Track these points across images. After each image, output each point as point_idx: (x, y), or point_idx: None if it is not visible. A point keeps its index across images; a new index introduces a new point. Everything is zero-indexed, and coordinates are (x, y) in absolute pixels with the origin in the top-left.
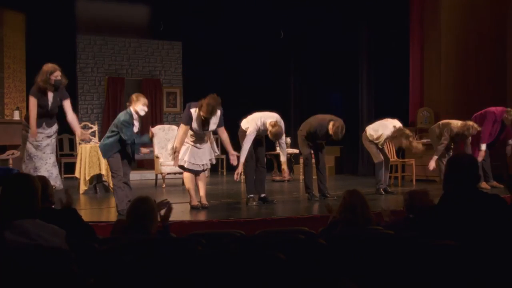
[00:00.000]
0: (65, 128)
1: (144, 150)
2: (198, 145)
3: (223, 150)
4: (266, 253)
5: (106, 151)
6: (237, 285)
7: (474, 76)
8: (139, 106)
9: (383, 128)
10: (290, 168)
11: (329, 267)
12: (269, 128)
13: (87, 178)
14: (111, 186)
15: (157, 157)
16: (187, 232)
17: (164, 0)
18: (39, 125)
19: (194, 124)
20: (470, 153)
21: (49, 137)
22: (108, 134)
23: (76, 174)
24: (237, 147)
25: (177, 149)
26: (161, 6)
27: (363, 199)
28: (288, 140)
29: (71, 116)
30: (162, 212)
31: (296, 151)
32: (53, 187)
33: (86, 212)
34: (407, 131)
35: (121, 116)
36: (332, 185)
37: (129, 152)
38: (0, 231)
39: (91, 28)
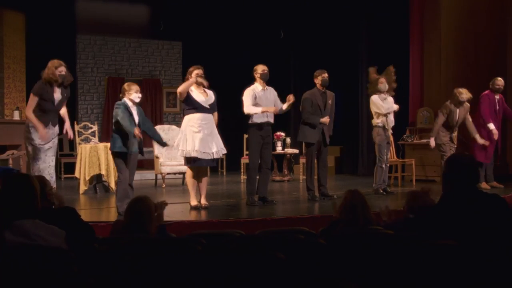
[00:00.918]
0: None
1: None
2: (206, 131)
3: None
4: (266, 253)
5: (112, 145)
6: (237, 285)
7: (474, 76)
8: (132, 94)
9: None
10: (290, 168)
11: (329, 267)
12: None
13: (87, 178)
14: (111, 186)
15: (157, 157)
16: (187, 232)
17: (164, 0)
18: (46, 124)
19: (196, 97)
20: (474, 132)
21: (51, 139)
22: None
23: (76, 174)
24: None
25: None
26: (161, 6)
27: (363, 199)
28: (288, 140)
29: (63, 110)
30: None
31: (296, 151)
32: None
33: (86, 212)
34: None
35: (115, 105)
36: (332, 185)
37: (135, 151)
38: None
39: (91, 28)
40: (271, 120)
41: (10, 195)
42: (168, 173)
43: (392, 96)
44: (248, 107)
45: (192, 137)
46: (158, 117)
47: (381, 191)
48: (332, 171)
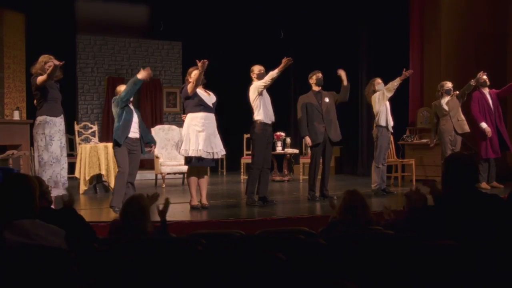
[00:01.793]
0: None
1: (148, 148)
2: (209, 131)
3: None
4: (266, 253)
5: (115, 134)
6: (237, 285)
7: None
8: None
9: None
10: (290, 169)
11: (329, 267)
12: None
13: (87, 178)
14: (111, 186)
15: (157, 157)
16: (187, 232)
17: (164, 0)
18: (60, 113)
19: (202, 96)
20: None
21: (64, 134)
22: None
23: (76, 174)
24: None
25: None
26: (161, 6)
27: (363, 199)
28: (288, 140)
29: None
30: (160, 207)
31: (296, 151)
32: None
33: (86, 212)
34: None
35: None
36: (332, 185)
37: (138, 150)
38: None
39: (91, 28)
40: (271, 121)
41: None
42: (168, 173)
43: (388, 100)
44: (264, 79)
45: (196, 136)
46: (158, 117)
47: (381, 191)
48: (332, 171)
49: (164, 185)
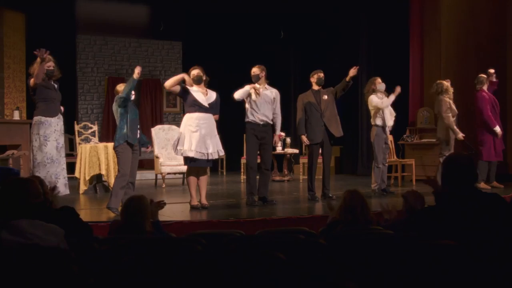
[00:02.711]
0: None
1: (144, 149)
2: (203, 131)
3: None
4: (266, 253)
5: (116, 139)
6: (237, 285)
7: (474, 76)
8: None
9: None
10: (290, 169)
11: (329, 267)
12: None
13: (87, 178)
14: (111, 186)
15: (157, 157)
16: (187, 232)
17: (164, 0)
18: (56, 113)
19: (196, 96)
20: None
21: (62, 134)
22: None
23: (76, 174)
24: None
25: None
26: (161, 6)
27: (363, 199)
28: (288, 140)
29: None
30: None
31: (296, 151)
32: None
33: (86, 212)
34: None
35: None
36: (332, 185)
37: (137, 150)
38: None
39: (91, 28)
40: (266, 119)
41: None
42: (168, 173)
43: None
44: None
45: (189, 136)
46: (158, 117)
47: (381, 191)
48: (332, 171)
49: (164, 185)
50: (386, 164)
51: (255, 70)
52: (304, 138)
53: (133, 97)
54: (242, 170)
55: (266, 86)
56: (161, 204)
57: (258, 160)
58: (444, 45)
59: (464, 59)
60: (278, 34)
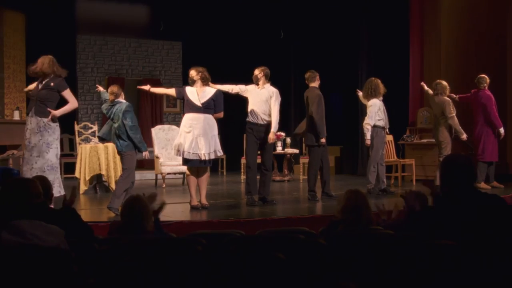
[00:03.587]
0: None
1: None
2: (196, 131)
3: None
4: (266, 253)
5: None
6: (237, 285)
7: (474, 76)
8: (123, 96)
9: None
10: (290, 169)
11: (329, 267)
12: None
13: (87, 178)
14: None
15: (157, 157)
16: (187, 232)
17: (164, 0)
18: (28, 111)
19: (189, 96)
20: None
21: (35, 133)
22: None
23: (76, 174)
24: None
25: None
26: (161, 6)
27: (364, 199)
28: (288, 140)
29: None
30: (155, 207)
31: (296, 151)
32: None
33: (86, 212)
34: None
35: (123, 106)
36: (332, 185)
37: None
38: None
39: (91, 28)
40: (259, 121)
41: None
42: (168, 173)
43: (384, 99)
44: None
45: (184, 137)
46: (158, 117)
47: (381, 191)
48: (332, 171)
49: (164, 185)
50: (384, 164)
51: (254, 72)
52: (324, 140)
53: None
54: (242, 170)
55: (265, 85)
56: (153, 195)
57: (259, 160)
58: (444, 45)
59: (464, 59)
60: (278, 34)
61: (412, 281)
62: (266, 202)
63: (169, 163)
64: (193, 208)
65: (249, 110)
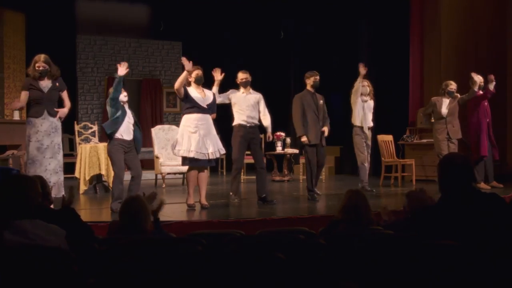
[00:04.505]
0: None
1: None
2: (202, 131)
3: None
4: (266, 253)
5: (106, 127)
6: (237, 285)
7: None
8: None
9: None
10: (290, 169)
11: (329, 267)
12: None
13: (87, 178)
14: (111, 186)
15: (157, 157)
16: (187, 232)
17: (164, 0)
18: (40, 114)
19: (194, 93)
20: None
21: (49, 135)
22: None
23: (76, 174)
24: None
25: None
26: (161, 6)
27: (364, 199)
28: (288, 140)
29: (66, 103)
30: (154, 206)
31: (296, 151)
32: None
33: (86, 212)
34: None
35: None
36: (332, 185)
37: (133, 150)
38: None
39: (91, 28)
40: (252, 121)
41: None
42: (168, 173)
43: (372, 99)
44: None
45: (188, 137)
46: (158, 117)
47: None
48: (332, 171)
49: (164, 185)
50: (366, 164)
51: (244, 76)
52: (305, 138)
53: (125, 98)
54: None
55: (251, 90)
56: (152, 195)
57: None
58: (444, 45)
59: (464, 59)
60: (278, 34)
61: (412, 281)
62: (266, 202)
63: (169, 163)
64: (190, 207)
65: (236, 114)
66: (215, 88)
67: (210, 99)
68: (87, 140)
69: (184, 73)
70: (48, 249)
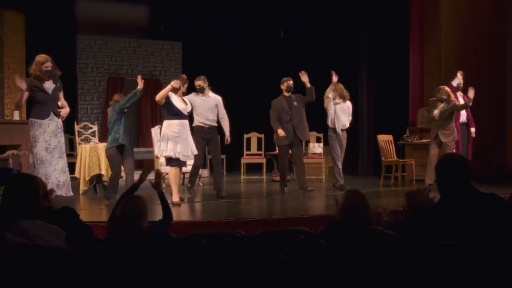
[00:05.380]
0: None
1: None
2: (183, 136)
3: (224, 150)
4: (266, 253)
5: (117, 137)
6: (237, 285)
7: (474, 76)
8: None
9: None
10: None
11: (329, 267)
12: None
13: (87, 178)
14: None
15: (157, 157)
16: (187, 232)
17: (164, 0)
18: (46, 115)
19: (176, 102)
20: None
21: (56, 135)
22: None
23: (76, 174)
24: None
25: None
26: (161, 6)
27: (364, 199)
28: None
29: (62, 103)
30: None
31: None
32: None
33: (86, 212)
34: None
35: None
36: (332, 185)
37: (130, 151)
38: (0, 231)
39: (91, 28)
40: (210, 123)
41: (11, 195)
42: (168, 173)
43: (345, 102)
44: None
45: (173, 141)
46: (158, 117)
47: (337, 186)
48: (332, 171)
49: (164, 185)
50: (338, 163)
51: (198, 82)
52: (280, 130)
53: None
54: (242, 170)
55: (210, 94)
56: (145, 172)
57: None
58: (444, 45)
59: (464, 59)
60: (278, 34)
61: (412, 281)
62: (218, 197)
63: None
64: (176, 204)
65: (196, 116)
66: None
67: (189, 108)
68: (87, 140)
69: (168, 87)
70: (49, 249)
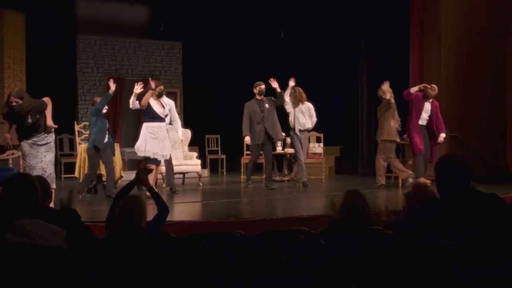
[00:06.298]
0: (65, 128)
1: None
2: (160, 137)
3: (224, 150)
4: (266, 253)
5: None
6: (237, 285)
7: (474, 76)
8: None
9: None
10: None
11: (329, 267)
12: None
13: None
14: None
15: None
16: (187, 232)
17: (164, 0)
18: (28, 137)
19: (154, 106)
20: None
21: (43, 145)
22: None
23: (76, 174)
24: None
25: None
26: (161, 6)
27: (363, 199)
28: (288, 140)
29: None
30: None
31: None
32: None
33: (86, 212)
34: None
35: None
36: (332, 185)
37: (108, 149)
38: (0, 231)
39: (91, 28)
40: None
41: (11, 195)
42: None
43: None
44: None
45: (151, 142)
46: None
47: (300, 183)
48: (332, 171)
49: (164, 185)
50: (300, 162)
51: (160, 87)
52: (247, 138)
53: (105, 110)
54: (242, 170)
55: (164, 98)
56: (143, 168)
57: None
58: (444, 45)
59: (464, 59)
60: (278, 34)
61: (412, 281)
62: (174, 192)
63: None
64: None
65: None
66: (132, 98)
67: (167, 111)
68: (87, 140)
69: (150, 92)
70: (49, 249)
